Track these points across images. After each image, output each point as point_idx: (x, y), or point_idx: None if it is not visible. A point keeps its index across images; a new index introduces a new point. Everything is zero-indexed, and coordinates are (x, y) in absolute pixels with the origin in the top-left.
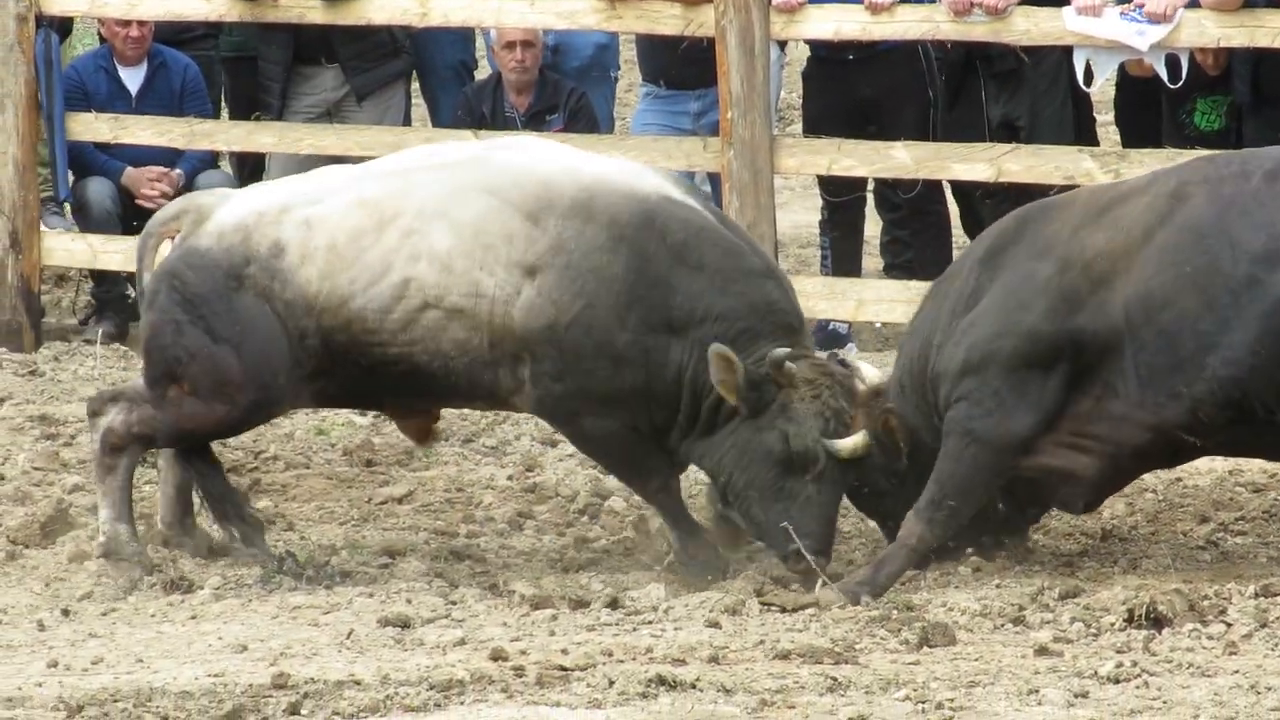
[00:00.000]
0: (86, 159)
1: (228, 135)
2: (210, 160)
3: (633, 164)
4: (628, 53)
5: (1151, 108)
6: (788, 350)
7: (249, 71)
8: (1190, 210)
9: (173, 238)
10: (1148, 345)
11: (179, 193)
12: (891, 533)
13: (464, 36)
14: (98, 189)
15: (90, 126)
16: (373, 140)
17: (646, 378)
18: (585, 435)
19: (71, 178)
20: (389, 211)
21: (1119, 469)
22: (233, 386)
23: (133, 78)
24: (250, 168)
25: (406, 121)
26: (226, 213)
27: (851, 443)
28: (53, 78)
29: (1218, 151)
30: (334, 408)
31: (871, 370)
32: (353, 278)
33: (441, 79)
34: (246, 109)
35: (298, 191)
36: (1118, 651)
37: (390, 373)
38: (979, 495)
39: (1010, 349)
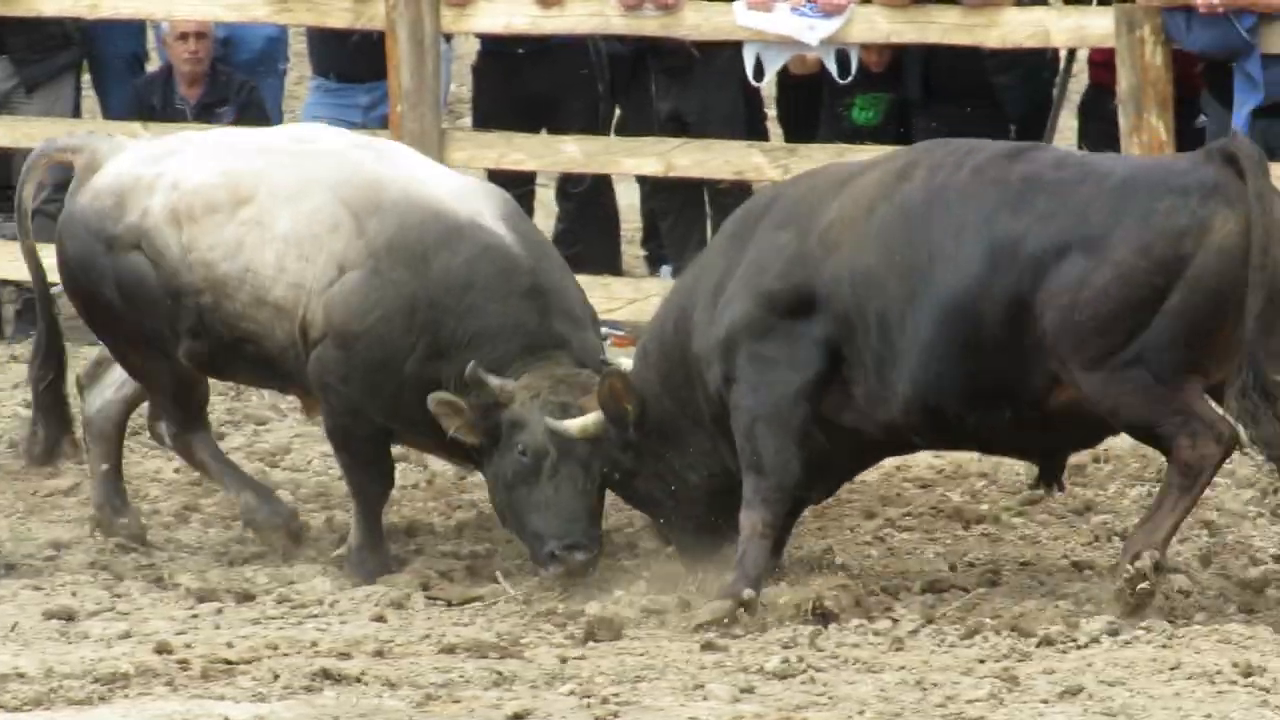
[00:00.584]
0: None
1: None
2: None
3: (478, 185)
4: (299, 45)
5: (813, 103)
6: (473, 364)
7: None
8: (907, 191)
9: (64, 165)
10: (871, 332)
11: None
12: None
13: (136, 29)
14: None
15: None
16: (40, 130)
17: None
18: (340, 433)
19: None
20: (246, 191)
21: (861, 458)
22: (128, 341)
23: None
24: None
25: (76, 113)
26: (107, 172)
27: (580, 422)
28: None
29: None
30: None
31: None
32: (212, 245)
33: (113, 71)
34: None
35: (171, 153)
36: (784, 647)
37: (244, 351)
38: (791, 462)
39: (753, 315)
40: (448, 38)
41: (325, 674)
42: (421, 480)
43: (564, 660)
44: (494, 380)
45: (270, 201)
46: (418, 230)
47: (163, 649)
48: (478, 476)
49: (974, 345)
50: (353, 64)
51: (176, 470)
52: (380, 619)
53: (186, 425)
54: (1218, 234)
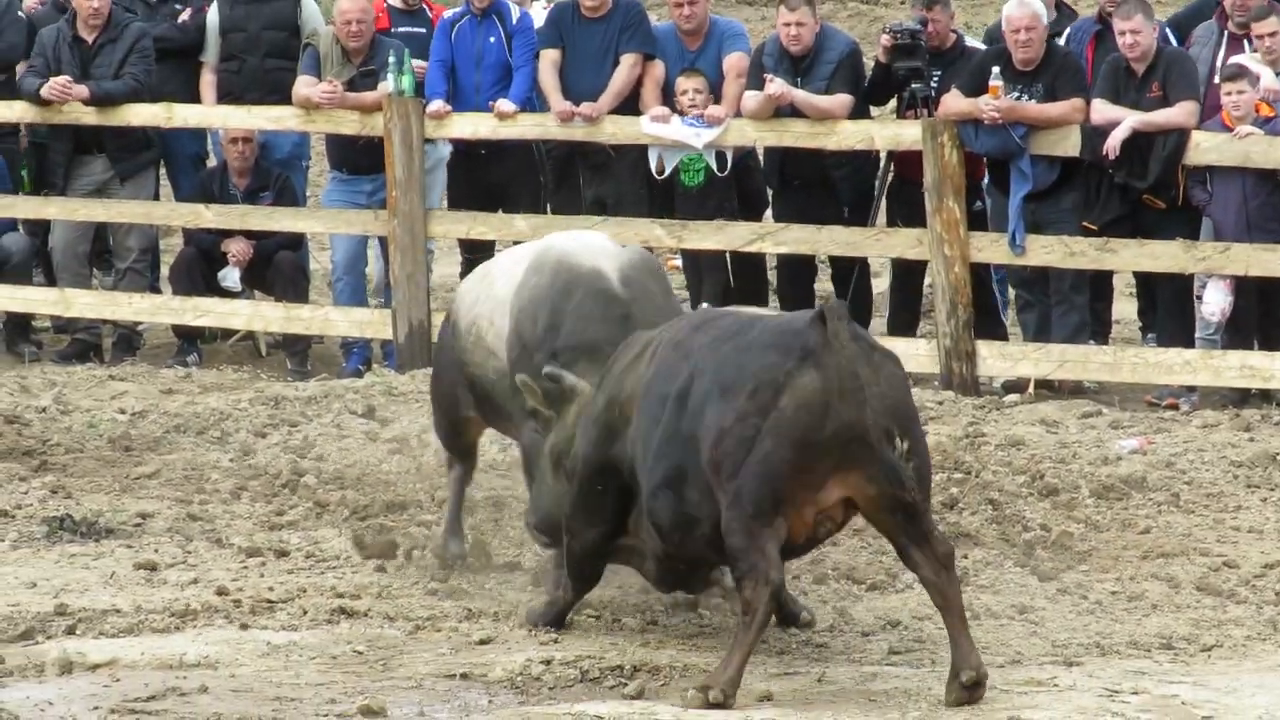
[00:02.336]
0: None
1: (25, 207)
2: (11, 225)
3: (600, 243)
4: (319, 147)
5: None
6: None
7: (43, 158)
8: (650, 364)
9: None
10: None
11: None
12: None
13: (199, 134)
14: None
15: None
16: (130, 211)
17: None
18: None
19: None
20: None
21: (670, 567)
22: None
23: None
24: (42, 232)
25: (156, 197)
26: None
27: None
28: None
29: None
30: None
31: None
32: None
33: (182, 165)
34: (39, 187)
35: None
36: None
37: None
38: (589, 572)
39: (579, 470)
40: (430, 141)
41: (341, 610)
42: (413, 467)
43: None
44: (568, 378)
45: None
46: (550, 271)
47: (222, 591)
48: None
49: (679, 481)
50: (359, 160)
51: (230, 460)
52: (381, 570)
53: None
54: (800, 390)
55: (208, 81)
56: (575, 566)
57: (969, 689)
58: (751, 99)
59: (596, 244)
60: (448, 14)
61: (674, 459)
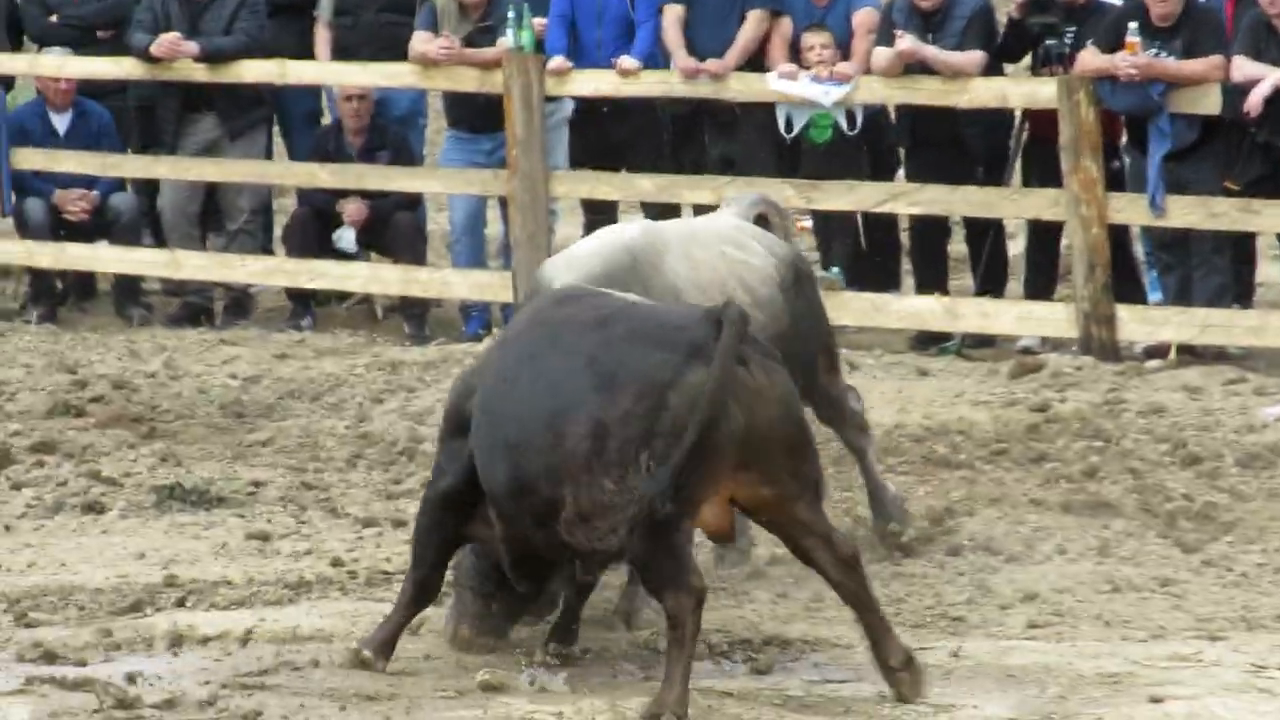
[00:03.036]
0: (26, 183)
1: (133, 166)
2: (119, 184)
3: (674, 232)
4: (437, 104)
5: None
6: None
7: (150, 117)
8: (512, 330)
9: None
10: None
11: (95, 209)
12: None
13: (313, 91)
14: (34, 205)
15: (29, 158)
16: (242, 170)
17: None
18: None
19: (14, 197)
20: None
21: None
22: None
23: (61, 121)
24: (150, 191)
25: (268, 156)
26: None
27: None
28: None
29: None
30: None
31: None
32: None
33: (296, 124)
34: (148, 146)
35: None
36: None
37: None
38: (432, 546)
39: (443, 424)
40: (552, 99)
41: (456, 581)
42: None
43: None
44: None
45: None
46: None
47: (337, 563)
48: None
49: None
50: (479, 118)
51: (346, 427)
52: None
53: None
54: (689, 389)
55: (322, 37)
56: (416, 539)
57: (904, 669)
58: (881, 56)
59: (581, 252)
60: None
61: (518, 429)
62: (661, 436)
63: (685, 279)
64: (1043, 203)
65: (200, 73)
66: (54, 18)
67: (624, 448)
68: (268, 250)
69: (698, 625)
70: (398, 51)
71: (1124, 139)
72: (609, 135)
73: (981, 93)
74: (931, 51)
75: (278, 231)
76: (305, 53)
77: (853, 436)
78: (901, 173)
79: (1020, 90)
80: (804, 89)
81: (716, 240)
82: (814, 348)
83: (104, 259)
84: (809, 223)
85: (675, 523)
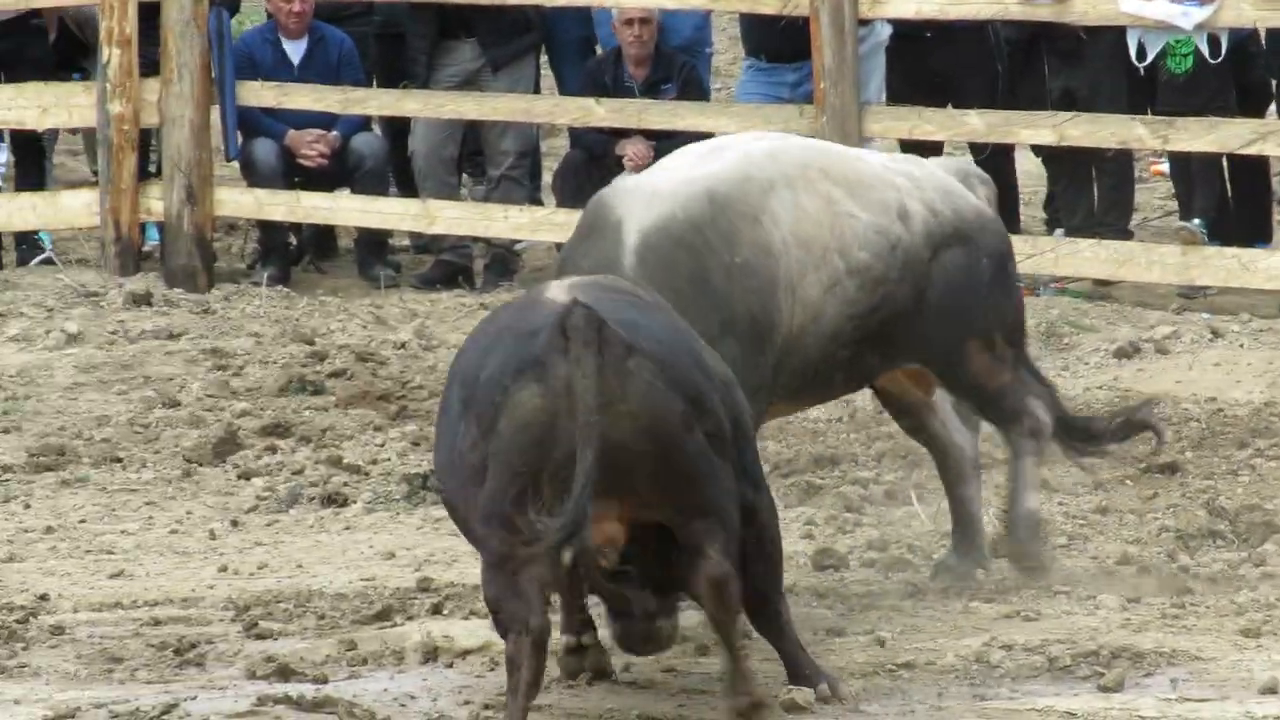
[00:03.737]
0: (254, 122)
1: (379, 102)
2: (363, 124)
3: (666, 182)
4: (733, 30)
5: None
6: None
7: (398, 45)
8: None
9: None
10: None
11: (335, 153)
12: None
13: (585, 14)
14: (264, 149)
15: (257, 93)
16: (506, 107)
17: None
18: None
19: (240, 139)
20: None
21: None
22: None
23: (295, 50)
24: (397, 131)
25: (536, 90)
26: None
27: None
28: (224, 50)
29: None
30: None
31: None
32: None
33: (567, 52)
34: (395, 79)
35: None
36: None
37: None
38: None
39: None
40: (865, 22)
41: None
42: (844, 414)
43: None
44: None
45: None
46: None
47: None
48: None
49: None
50: (781, 46)
51: None
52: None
53: None
54: (517, 409)
55: None
56: None
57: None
58: None
59: (661, 187)
60: None
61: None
62: (493, 463)
63: (787, 230)
64: None
65: None
66: None
67: (471, 479)
68: (535, 200)
69: (534, 671)
70: None
71: None
72: (932, 64)
73: None
74: None
75: (546, 178)
76: None
77: (1015, 436)
78: (1273, 109)
79: None
80: (1160, 10)
81: (826, 179)
82: (959, 331)
83: (345, 210)
84: (1165, 166)
85: (506, 556)
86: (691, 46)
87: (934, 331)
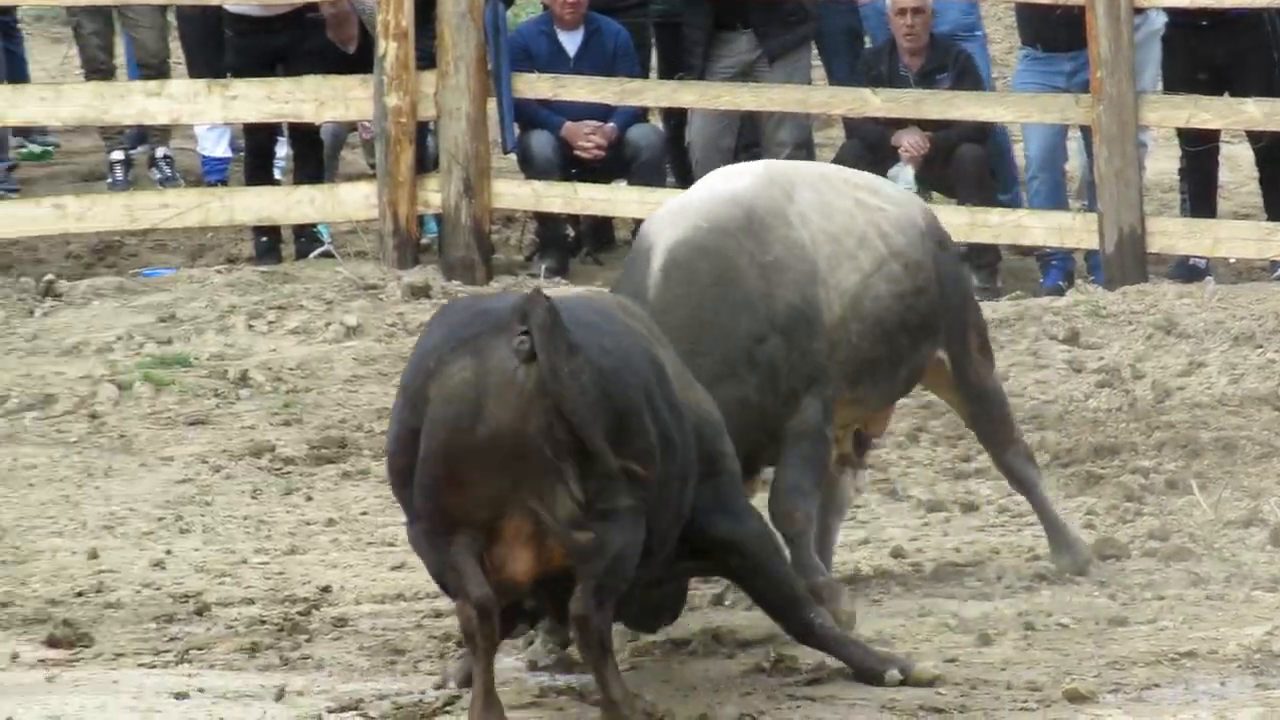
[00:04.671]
0: (530, 114)
1: (655, 93)
2: (640, 115)
3: (698, 201)
4: (1008, 19)
5: None
6: None
7: (674, 36)
8: None
9: None
10: None
11: (611, 145)
12: None
13: (852, 6)
14: (540, 141)
15: (533, 85)
16: (782, 98)
17: None
18: None
19: (517, 131)
20: None
21: None
22: None
23: (571, 41)
24: (674, 122)
25: (808, 81)
26: None
27: None
28: (500, 42)
29: None
30: None
31: None
32: None
33: (835, 43)
34: (671, 70)
35: None
36: None
37: None
38: None
39: None
40: (1141, 10)
41: (1040, 576)
42: (1124, 403)
43: None
44: None
45: None
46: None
47: (898, 554)
48: (1176, 399)
49: None
50: (1057, 35)
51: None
52: (1089, 526)
53: None
54: (448, 379)
55: None
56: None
57: None
58: None
59: (689, 203)
60: None
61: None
62: (425, 436)
63: (817, 228)
64: None
65: None
66: None
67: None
68: None
69: (489, 639)
70: None
71: None
72: (1208, 53)
73: None
74: None
75: None
76: None
77: (1015, 463)
78: None
79: None
80: None
81: (848, 185)
82: (965, 320)
83: (623, 202)
84: None
85: (448, 536)
86: (959, 31)
87: (954, 320)
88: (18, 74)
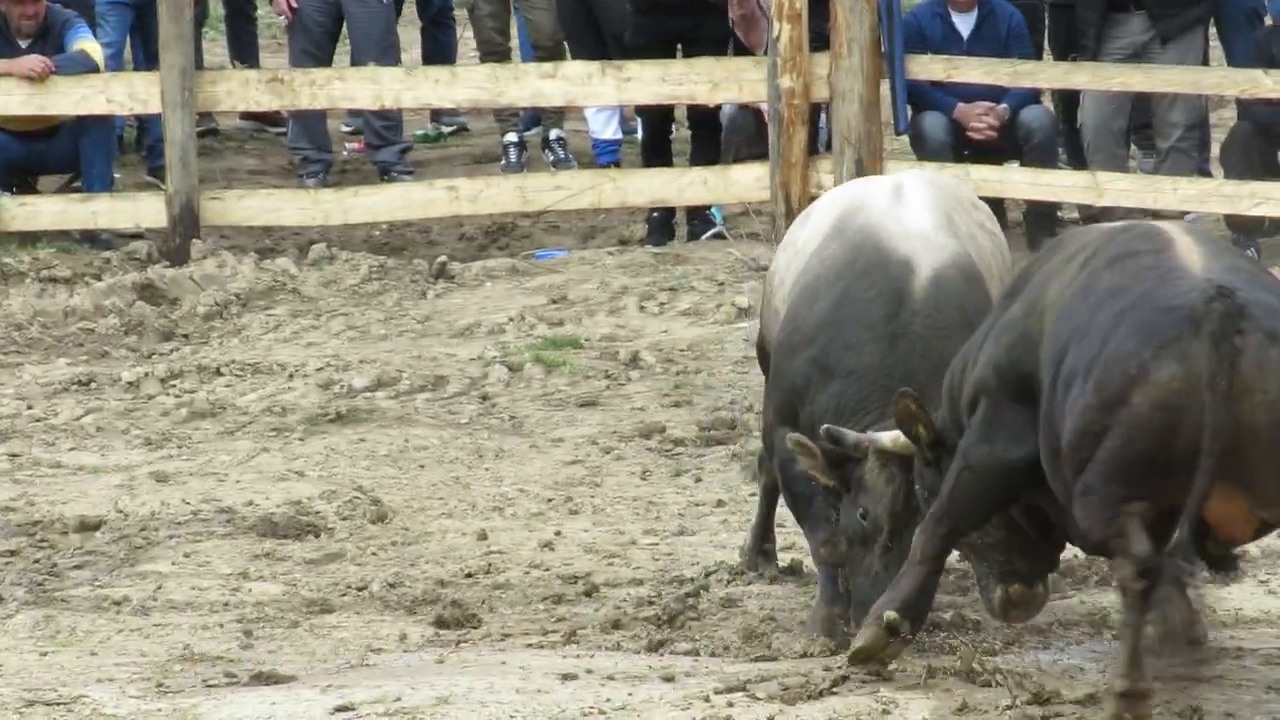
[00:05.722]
0: (923, 95)
1: (1047, 74)
2: (1033, 96)
3: (921, 223)
4: None
5: None
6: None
7: (1068, 18)
8: (1077, 285)
9: None
10: None
11: (1004, 126)
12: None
13: None
14: (932, 122)
15: (926, 66)
16: (1174, 79)
17: None
18: None
19: (909, 112)
20: None
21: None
22: None
23: (964, 23)
24: (1067, 103)
25: (1205, 63)
26: None
27: (892, 434)
28: (893, 24)
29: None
30: None
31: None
32: None
33: (1234, 23)
34: (1064, 51)
35: None
36: None
37: None
38: (975, 516)
39: (987, 380)
40: None
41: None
42: None
43: None
44: (851, 436)
45: None
46: (848, 253)
47: None
48: None
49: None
50: None
51: None
52: None
53: None
54: (1160, 390)
55: None
56: (957, 499)
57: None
58: None
59: (917, 222)
60: None
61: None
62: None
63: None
64: None
65: None
66: None
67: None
68: (1204, 172)
69: (1142, 596)
70: None
71: None
72: None
73: None
74: None
75: (1214, 150)
76: None
77: None
78: None
79: None
80: None
81: (954, 198)
82: None
83: (1014, 183)
84: None
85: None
86: None
87: None
88: (444, 63)
